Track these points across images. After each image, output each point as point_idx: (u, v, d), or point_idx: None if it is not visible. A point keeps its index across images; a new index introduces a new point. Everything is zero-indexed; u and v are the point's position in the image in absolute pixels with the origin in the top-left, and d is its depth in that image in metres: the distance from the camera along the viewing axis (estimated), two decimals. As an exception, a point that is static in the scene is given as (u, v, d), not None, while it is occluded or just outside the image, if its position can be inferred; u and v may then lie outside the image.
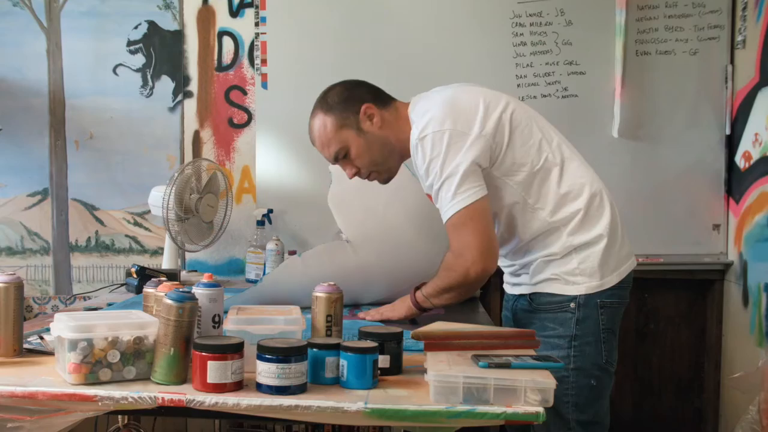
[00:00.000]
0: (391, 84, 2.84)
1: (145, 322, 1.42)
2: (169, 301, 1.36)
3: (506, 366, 1.31)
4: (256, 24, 2.91)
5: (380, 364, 1.39)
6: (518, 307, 1.91)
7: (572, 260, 1.77)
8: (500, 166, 1.76)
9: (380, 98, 1.87)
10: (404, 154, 1.85)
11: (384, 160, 1.85)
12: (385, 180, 1.91)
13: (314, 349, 1.38)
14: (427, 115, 1.74)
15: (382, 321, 1.86)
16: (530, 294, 1.85)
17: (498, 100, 1.79)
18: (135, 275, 2.40)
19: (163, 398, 1.30)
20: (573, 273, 1.76)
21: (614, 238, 1.80)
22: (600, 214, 1.79)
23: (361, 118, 1.81)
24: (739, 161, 2.76)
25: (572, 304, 1.75)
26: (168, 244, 2.68)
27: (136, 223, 2.97)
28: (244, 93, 2.94)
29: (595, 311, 1.76)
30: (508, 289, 1.99)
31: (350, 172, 1.87)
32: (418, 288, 1.86)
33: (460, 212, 1.68)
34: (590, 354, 1.76)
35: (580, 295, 1.75)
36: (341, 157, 1.85)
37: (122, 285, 2.60)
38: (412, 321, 1.87)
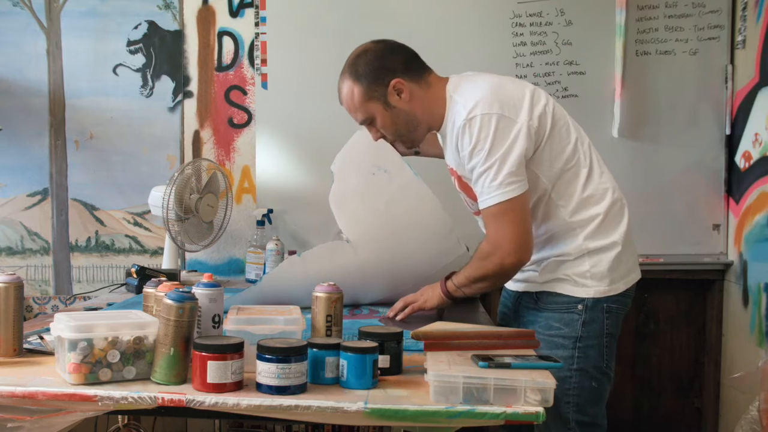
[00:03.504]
0: (391, 84, 2.86)
1: (145, 322, 1.42)
2: (169, 301, 1.36)
3: (506, 366, 1.32)
4: (256, 24, 2.91)
5: (380, 364, 1.39)
6: (522, 304, 1.92)
7: (584, 263, 1.78)
8: (535, 159, 1.76)
9: (413, 69, 1.83)
10: (432, 126, 1.85)
11: (409, 132, 1.85)
12: (408, 147, 1.94)
13: (314, 349, 1.38)
14: (474, 97, 1.72)
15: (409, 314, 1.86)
16: (537, 292, 1.86)
17: (540, 93, 1.80)
18: (135, 275, 2.40)
19: (163, 398, 1.30)
20: (584, 275, 1.78)
21: (627, 247, 1.82)
22: (618, 222, 1.82)
23: (390, 92, 1.79)
24: (739, 161, 2.76)
25: (580, 306, 1.77)
26: (168, 244, 2.68)
27: (136, 223, 2.97)
28: (244, 93, 2.94)
29: (601, 315, 1.78)
30: (511, 286, 1.99)
31: (375, 136, 1.88)
32: (448, 278, 1.85)
33: (502, 203, 1.69)
34: (593, 356, 1.78)
35: (588, 298, 1.77)
36: (367, 124, 1.86)
37: (122, 285, 2.60)
38: (440, 312, 1.87)
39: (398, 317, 1.88)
